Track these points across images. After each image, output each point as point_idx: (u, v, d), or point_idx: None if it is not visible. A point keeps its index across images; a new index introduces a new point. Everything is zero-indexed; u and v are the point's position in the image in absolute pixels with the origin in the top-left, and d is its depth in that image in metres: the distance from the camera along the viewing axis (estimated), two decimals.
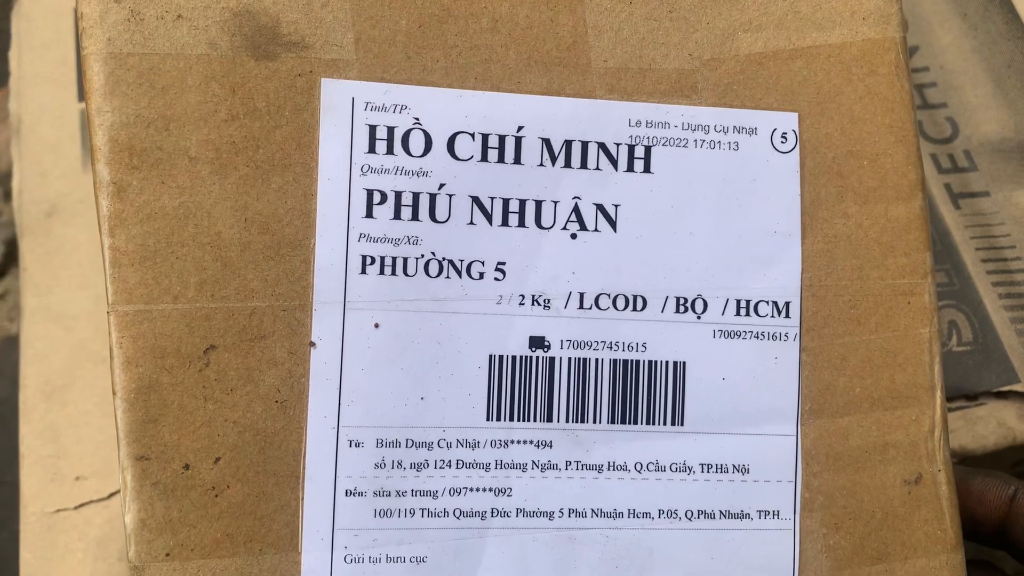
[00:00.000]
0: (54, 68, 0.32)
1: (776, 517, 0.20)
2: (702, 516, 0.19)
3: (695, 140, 0.20)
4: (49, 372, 0.30)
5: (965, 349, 0.29)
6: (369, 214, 0.18)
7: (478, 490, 0.19)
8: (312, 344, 0.18)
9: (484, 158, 0.19)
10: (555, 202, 0.19)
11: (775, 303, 0.20)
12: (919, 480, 0.20)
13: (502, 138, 0.19)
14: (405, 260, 0.19)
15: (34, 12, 0.33)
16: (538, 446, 0.19)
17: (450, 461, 0.19)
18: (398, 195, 0.19)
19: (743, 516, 0.20)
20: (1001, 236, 0.31)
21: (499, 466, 0.19)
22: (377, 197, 0.18)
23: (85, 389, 0.30)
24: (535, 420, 0.19)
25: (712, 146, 0.20)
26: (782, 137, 0.20)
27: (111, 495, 0.28)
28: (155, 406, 0.18)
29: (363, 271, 0.18)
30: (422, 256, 0.19)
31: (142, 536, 0.18)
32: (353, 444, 0.18)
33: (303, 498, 0.18)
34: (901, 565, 0.20)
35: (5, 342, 0.58)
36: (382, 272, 0.18)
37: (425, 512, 0.18)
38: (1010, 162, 0.31)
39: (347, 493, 0.18)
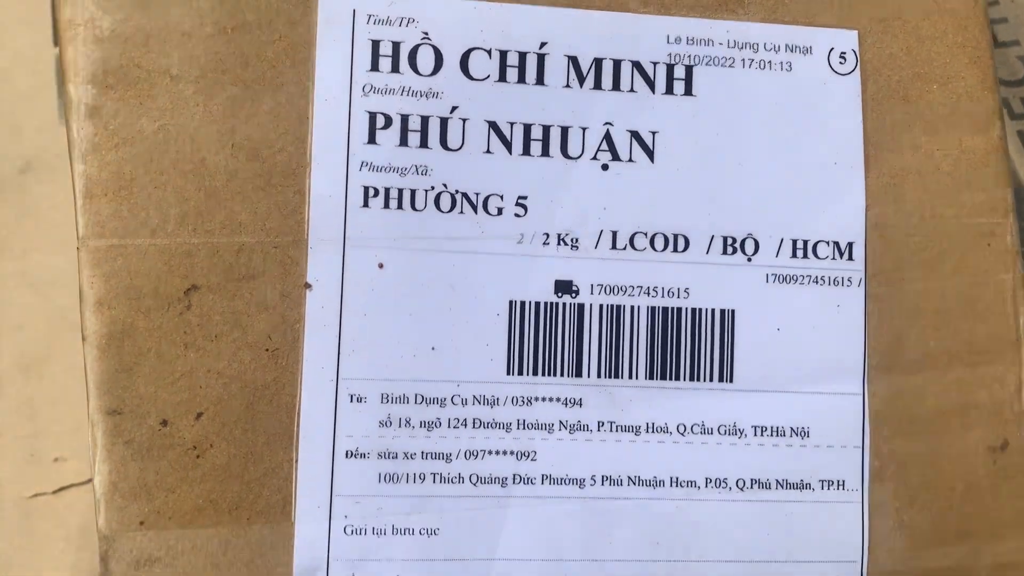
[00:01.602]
0: (28, 9, 0.31)
1: (841, 488, 0.18)
2: (755, 486, 0.18)
3: (743, 59, 0.19)
4: (25, 343, 0.30)
5: None
6: (372, 140, 0.17)
7: (498, 453, 0.18)
8: (307, 286, 0.17)
9: (502, 78, 0.18)
10: (583, 128, 0.18)
11: (836, 244, 0.19)
12: (1005, 447, 0.19)
13: (523, 56, 0.18)
14: (413, 193, 0.18)
15: None
16: (566, 404, 0.18)
17: (465, 420, 0.17)
18: (404, 119, 0.18)
19: (803, 486, 0.18)
20: None
21: (522, 426, 0.18)
22: (381, 121, 0.18)
23: (65, 362, 0.29)
24: (562, 375, 0.18)
25: (762, 66, 0.19)
26: (840, 57, 0.19)
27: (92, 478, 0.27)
28: (130, 354, 0.17)
29: (365, 204, 0.17)
30: (432, 188, 0.18)
31: (113, 502, 0.17)
32: (355, 399, 0.17)
33: (297, 460, 0.17)
34: (987, 545, 0.19)
35: None
36: (387, 206, 0.17)
37: (437, 478, 0.17)
38: None
39: (348, 455, 0.17)
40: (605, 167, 0.18)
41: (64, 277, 0.30)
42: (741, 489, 0.18)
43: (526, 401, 0.18)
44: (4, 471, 0.29)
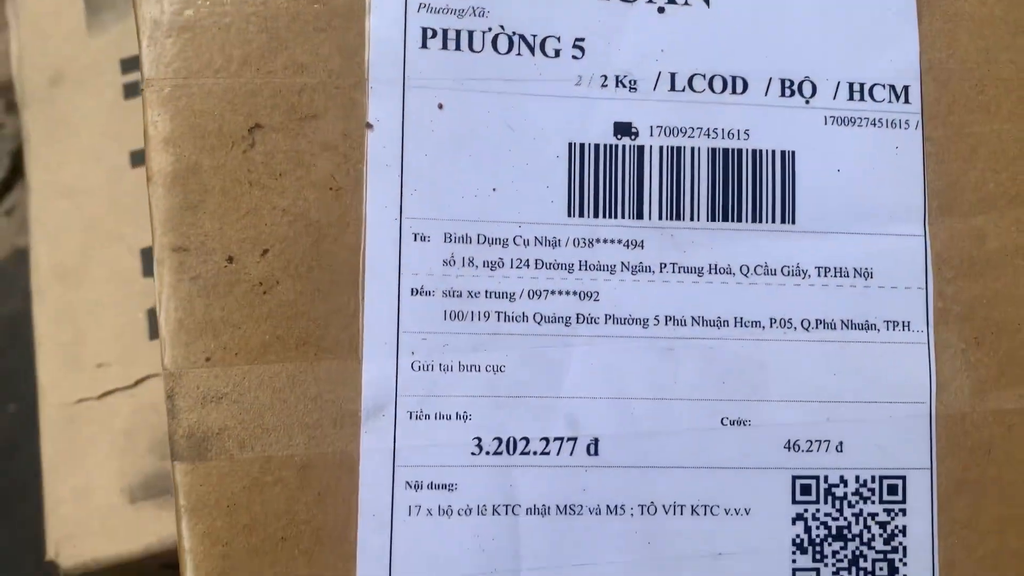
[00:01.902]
0: None
1: (907, 329, 0.18)
2: (820, 326, 0.18)
3: None
4: (62, 253, 0.30)
5: None
6: None
7: (561, 293, 0.18)
8: (369, 126, 0.17)
9: None
10: None
11: (892, 87, 0.19)
12: None
13: None
14: (471, 34, 0.18)
15: None
16: (627, 246, 0.18)
17: (528, 261, 0.18)
18: None
19: (868, 327, 0.18)
20: None
21: (584, 267, 0.18)
22: None
23: (102, 270, 0.29)
24: (623, 217, 0.18)
25: None
26: None
27: (137, 382, 0.27)
28: (195, 191, 0.17)
29: (423, 45, 0.18)
30: (489, 30, 0.18)
31: (179, 338, 0.17)
32: (418, 238, 0.17)
33: (363, 298, 0.17)
34: None
35: (15, 255, 0.58)
36: (444, 47, 0.18)
37: (502, 316, 0.18)
38: None
39: (413, 292, 0.17)
40: (661, 10, 0.18)
41: (97, 186, 0.30)
42: (806, 329, 0.18)
43: (587, 243, 0.18)
44: (47, 378, 0.29)
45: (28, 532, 0.52)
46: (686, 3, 0.19)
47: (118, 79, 0.31)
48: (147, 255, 0.29)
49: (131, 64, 0.31)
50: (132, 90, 0.31)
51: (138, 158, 0.30)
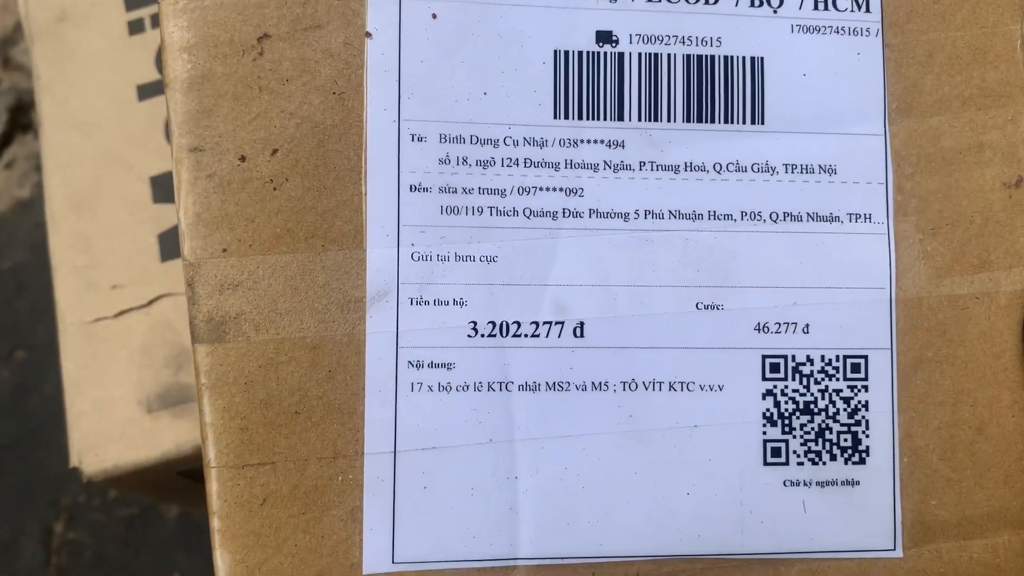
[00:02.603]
0: None
1: (868, 221, 0.21)
2: (788, 218, 0.20)
3: None
4: (75, 182, 0.31)
5: None
6: None
7: (548, 190, 0.20)
8: (368, 34, 0.19)
9: None
10: None
11: None
12: (1020, 183, 0.21)
13: None
14: None
15: None
16: (609, 146, 0.20)
17: (517, 159, 0.20)
18: None
19: (832, 219, 0.20)
20: None
21: (569, 166, 0.20)
22: None
23: (114, 198, 0.31)
24: (605, 119, 0.20)
25: None
26: None
27: (151, 302, 0.29)
28: (209, 96, 0.19)
29: None
30: None
31: (197, 231, 0.19)
32: (415, 138, 0.19)
33: (366, 193, 0.19)
34: (1005, 274, 0.21)
35: (16, 207, 0.60)
36: None
37: (494, 211, 0.20)
38: None
39: (411, 188, 0.19)
40: None
41: (106, 119, 0.32)
42: (774, 221, 0.20)
43: (572, 143, 0.20)
44: (65, 300, 0.31)
45: (43, 473, 0.54)
46: None
47: (123, 16, 0.33)
48: (156, 182, 0.31)
49: (135, 2, 0.33)
50: (137, 27, 0.32)
51: (144, 91, 0.32)
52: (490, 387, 0.19)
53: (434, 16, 0.20)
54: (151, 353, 0.29)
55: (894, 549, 0.20)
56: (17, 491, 0.55)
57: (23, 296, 0.58)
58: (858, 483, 0.20)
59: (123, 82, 0.32)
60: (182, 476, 0.32)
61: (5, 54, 0.65)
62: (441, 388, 0.19)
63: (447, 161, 0.20)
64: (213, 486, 0.19)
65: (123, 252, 0.30)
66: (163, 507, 0.52)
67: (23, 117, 0.65)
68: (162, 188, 0.31)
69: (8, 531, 0.54)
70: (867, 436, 0.20)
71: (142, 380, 0.28)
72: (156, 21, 0.32)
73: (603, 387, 0.20)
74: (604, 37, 0.20)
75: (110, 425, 0.29)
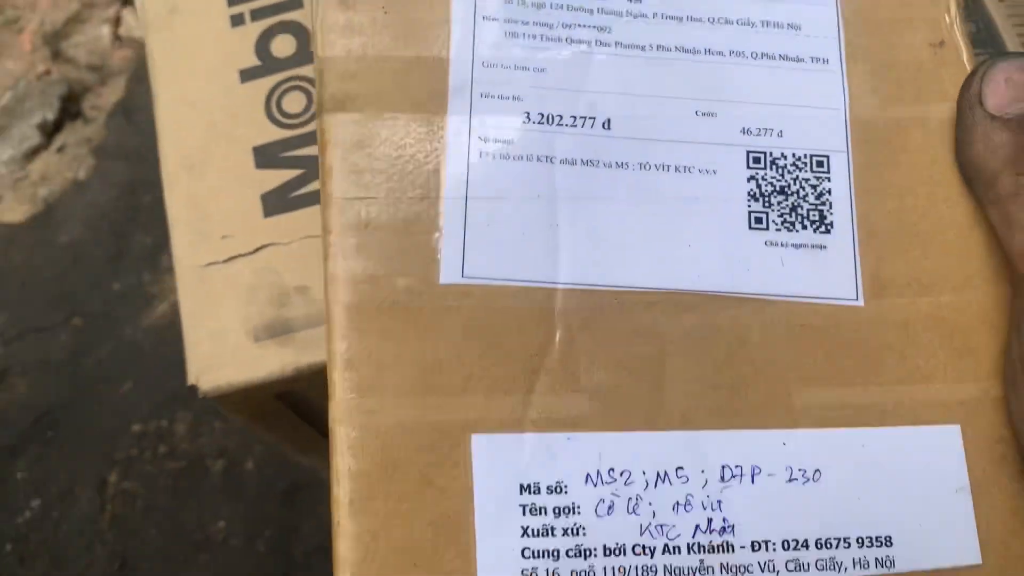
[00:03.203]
0: None
1: (826, 63, 0.28)
2: (764, 57, 0.28)
3: None
4: (186, 150, 0.38)
5: None
6: None
7: (584, 26, 0.27)
8: None
9: None
10: None
11: None
12: (942, 44, 0.28)
13: None
14: None
15: None
16: (631, 2, 0.28)
17: (562, 5, 0.28)
18: None
19: (798, 60, 0.28)
20: None
21: (600, 12, 0.28)
22: None
23: (221, 164, 0.38)
24: None
25: None
26: None
27: (256, 250, 0.35)
28: None
29: None
30: None
31: (329, 39, 0.27)
32: None
33: (452, 22, 0.27)
34: (936, 106, 0.28)
35: (73, 187, 0.68)
36: None
37: (543, 37, 0.27)
38: None
39: (484, 19, 0.27)
40: None
41: (212, 97, 0.40)
42: (755, 58, 0.28)
43: None
44: (181, 249, 0.37)
45: (98, 429, 0.59)
46: None
47: (225, 11, 0.40)
48: (258, 151, 0.37)
49: None
50: (238, 19, 0.40)
51: (245, 75, 0.39)
52: (538, 159, 0.26)
53: None
54: (257, 292, 0.35)
55: (857, 299, 0.26)
56: (74, 445, 0.60)
57: (78, 268, 0.66)
58: (824, 247, 0.26)
59: (226, 66, 0.39)
60: (278, 399, 0.37)
61: (56, 47, 0.75)
62: (502, 157, 0.26)
63: (510, 3, 0.27)
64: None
65: (230, 209, 0.36)
66: (208, 461, 0.57)
67: (73, 106, 0.73)
68: (263, 156, 0.37)
69: (66, 481, 0.59)
70: (831, 213, 0.27)
71: (249, 314, 0.34)
72: (255, 15, 0.40)
73: (624, 166, 0.27)
74: None
75: (222, 351, 0.34)
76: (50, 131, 0.76)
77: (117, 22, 0.80)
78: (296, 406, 0.38)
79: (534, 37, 0.27)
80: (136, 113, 0.70)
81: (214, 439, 0.60)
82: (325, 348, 0.25)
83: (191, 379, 0.34)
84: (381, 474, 0.24)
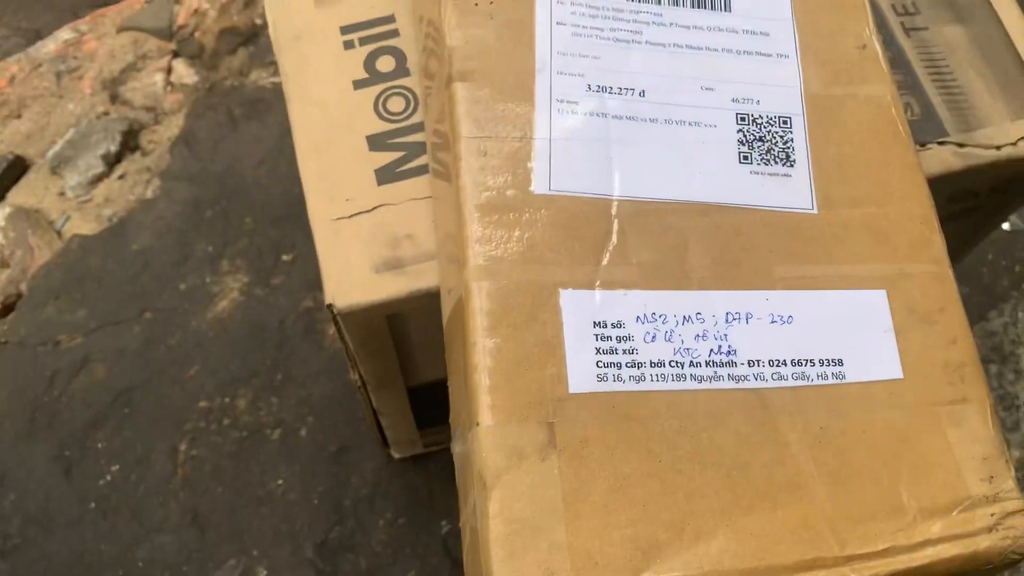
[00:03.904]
0: None
1: (787, 57, 0.42)
2: (744, 53, 0.42)
3: None
4: (313, 137, 0.49)
5: (916, 119, 0.53)
6: None
7: (624, 31, 0.42)
8: None
9: None
10: None
11: None
12: (865, 47, 0.43)
13: None
14: None
15: None
16: (655, 14, 0.42)
17: (608, 15, 0.42)
18: None
19: (768, 55, 0.42)
20: (936, 52, 0.56)
21: (635, 21, 0.42)
22: None
23: (342, 148, 0.48)
24: (654, 3, 0.42)
25: None
26: None
27: (373, 208, 0.46)
28: None
29: None
30: None
31: (454, 26, 0.40)
32: (558, 2, 0.42)
33: (536, 24, 0.41)
34: (862, 87, 0.42)
35: (141, 204, 0.80)
36: None
37: (597, 35, 0.41)
38: (940, 9, 0.57)
39: (557, 24, 0.41)
40: None
41: (333, 100, 0.52)
42: (738, 54, 0.42)
43: (635, 11, 0.42)
44: (316, 206, 0.46)
45: (170, 406, 0.70)
46: None
47: (339, 38, 0.52)
48: (370, 139, 0.48)
49: (346, 29, 0.54)
50: (349, 45, 0.52)
51: (357, 84, 0.50)
52: (596, 115, 0.40)
53: None
54: (376, 238, 0.45)
55: (812, 209, 0.40)
56: (148, 419, 0.71)
57: (148, 271, 0.77)
58: (790, 176, 0.40)
59: (342, 78, 0.50)
60: (389, 319, 0.48)
61: (113, 92, 0.88)
62: (571, 113, 0.40)
63: (575, 14, 0.42)
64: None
65: (352, 179, 0.46)
66: (267, 431, 0.68)
67: (132, 140, 0.86)
68: (374, 142, 0.48)
69: (142, 450, 0.70)
70: (793, 154, 0.41)
71: (370, 254, 0.44)
72: (362, 41, 0.53)
73: (654, 121, 0.40)
74: None
75: (351, 280, 0.44)
76: (112, 161, 0.88)
77: (169, 71, 0.93)
78: (394, 336, 0.50)
79: (591, 36, 0.41)
80: (194, 144, 0.83)
81: (271, 412, 0.71)
82: (436, 268, 0.37)
83: (328, 300, 0.44)
84: (503, 312, 0.36)
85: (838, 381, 0.37)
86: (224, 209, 0.79)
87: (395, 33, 0.51)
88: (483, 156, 0.38)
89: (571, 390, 0.35)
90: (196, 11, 0.95)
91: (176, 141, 0.84)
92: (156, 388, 0.73)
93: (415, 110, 0.48)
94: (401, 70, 0.50)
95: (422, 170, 0.47)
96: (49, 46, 0.97)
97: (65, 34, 0.97)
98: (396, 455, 0.68)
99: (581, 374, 0.36)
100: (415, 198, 0.46)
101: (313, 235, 0.47)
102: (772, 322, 0.38)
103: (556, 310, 0.37)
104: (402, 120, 0.49)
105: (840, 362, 0.37)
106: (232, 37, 0.95)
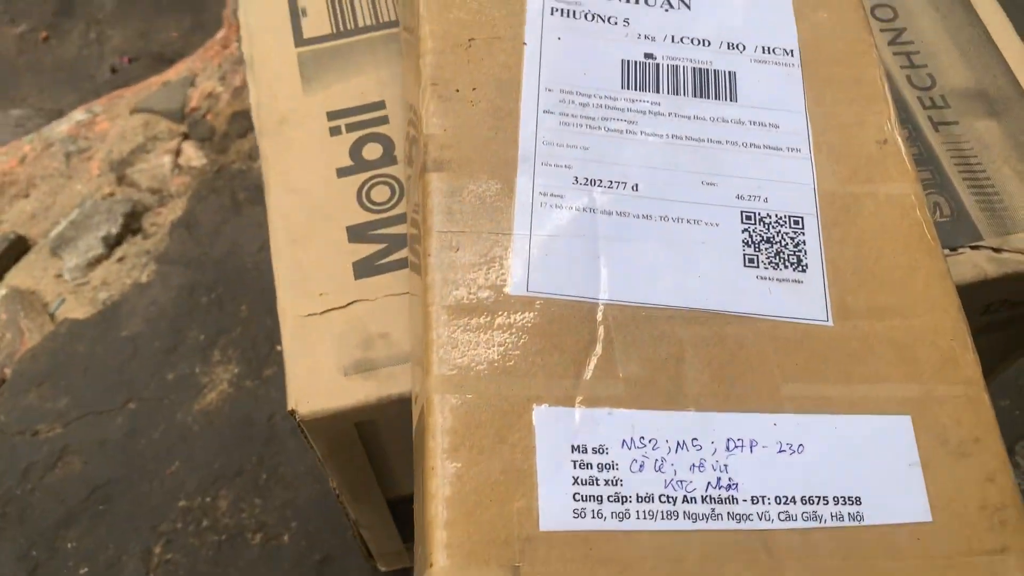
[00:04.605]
0: (273, 24, 0.54)
1: (798, 151, 0.38)
2: (752, 147, 0.38)
3: None
4: (292, 227, 0.46)
5: (946, 220, 0.48)
6: None
7: (616, 120, 0.38)
8: (524, 44, 0.39)
9: None
10: None
11: None
12: (885, 142, 0.39)
13: None
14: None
15: None
16: (652, 104, 0.38)
17: (601, 104, 0.38)
18: None
19: (777, 148, 0.38)
20: (967, 149, 0.51)
21: (629, 111, 0.38)
22: None
23: (320, 239, 0.45)
24: (647, 91, 0.39)
25: None
26: None
27: (348, 304, 0.43)
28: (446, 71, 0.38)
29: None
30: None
31: (432, 121, 0.37)
32: (547, 89, 0.38)
33: (521, 113, 0.37)
34: (882, 185, 0.38)
35: (136, 288, 0.76)
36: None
37: (587, 125, 0.37)
38: (971, 102, 0.52)
39: (545, 112, 0.37)
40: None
41: (314, 187, 0.48)
42: (745, 147, 0.38)
43: (630, 100, 0.38)
44: (286, 302, 0.44)
45: (146, 504, 0.65)
46: None
47: (325, 124, 0.49)
48: (350, 230, 0.45)
49: (333, 115, 0.51)
50: (335, 131, 0.49)
51: (341, 172, 0.47)
52: (584, 209, 0.36)
53: (559, 39, 0.39)
54: (347, 338, 0.42)
55: (827, 320, 0.35)
56: (123, 518, 0.66)
57: (137, 359, 0.74)
58: (801, 282, 0.36)
59: (326, 165, 0.48)
60: (356, 427, 0.44)
61: (121, 173, 0.86)
62: (556, 207, 0.36)
63: (564, 101, 0.38)
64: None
65: (328, 272, 0.43)
66: (248, 535, 0.63)
67: (135, 223, 0.83)
68: (354, 233, 0.45)
69: (113, 551, 0.65)
70: (805, 258, 0.36)
71: (340, 355, 0.41)
72: (349, 127, 0.50)
73: (648, 217, 0.36)
74: (649, 56, 0.40)
75: (317, 384, 0.41)
76: (112, 244, 0.85)
77: (178, 153, 0.92)
78: (366, 445, 0.45)
79: (581, 126, 0.38)
80: (195, 228, 0.81)
81: (253, 515, 0.66)
82: (406, 377, 0.33)
83: (291, 405, 0.41)
84: (466, 431, 0.32)
85: (855, 523, 0.32)
86: (220, 296, 0.76)
87: (384, 120, 0.48)
88: (455, 252, 0.34)
89: (542, 527, 0.30)
90: (209, 94, 0.94)
91: (177, 224, 0.82)
92: (134, 484, 0.68)
93: (400, 200, 0.45)
94: (388, 158, 0.47)
95: (403, 264, 0.43)
96: (63, 126, 0.96)
97: (79, 115, 0.96)
98: (383, 568, 0.63)
99: (554, 508, 0.31)
100: (393, 293, 0.43)
101: (281, 333, 0.43)
102: (780, 451, 0.32)
103: (529, 430, 0.32)
104: (386, 210, 0.45)
105: (858, 500, 0.32)
106: (243, 120, 0.93)
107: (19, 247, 0.86)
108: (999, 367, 0.56)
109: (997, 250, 0.44)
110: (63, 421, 0.71)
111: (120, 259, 0.84)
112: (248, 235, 0.81)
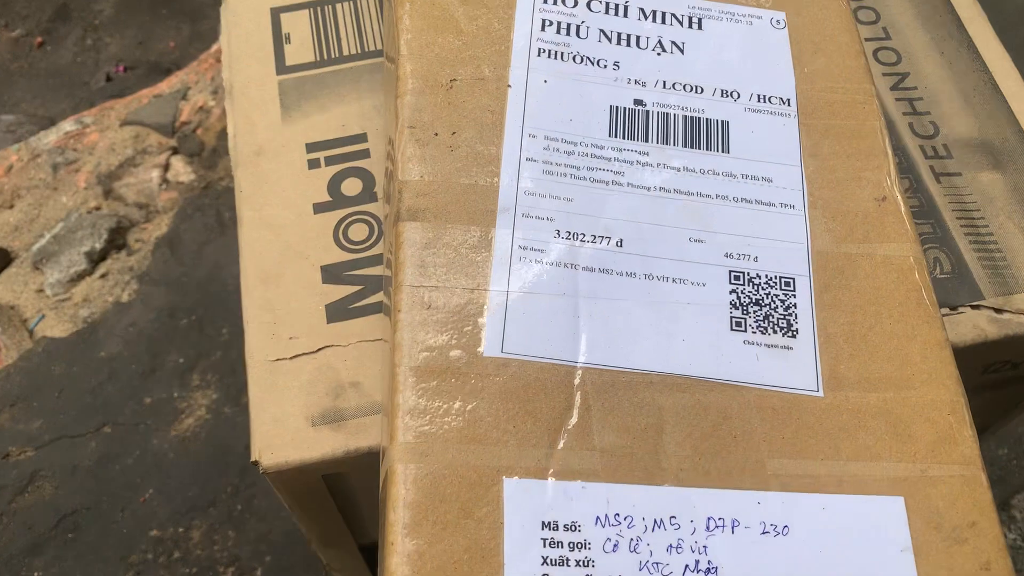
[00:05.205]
0: (256, 49, 0.52)
1: (792, 207, 0.36)
2: (743, 201, 0.36)
3: None
4: (263, 264, 0.44)
5: (946, 276, 0.46)
6: None
7: (602, 170, 0.36)
8: (509, 85, 0.37)
9: None
10: None
11: None
12: (884, 200, 0.37)
13: None
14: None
15: (239, 8, 0.53)
16: (640, 153, 0.36)
17: (586, 153, 0.36)
18: None
19: (770, 204, 0.36)
20: (969, 202, 0.49)
21: (616, 161, 0.36)
22: None
23: (292, 278, 0.43)
24: (636, 139, 0.37)
25: None
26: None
27: (318, 350, 0.41)
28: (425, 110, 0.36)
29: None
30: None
31: (409, 168, 0.35)
32: (531, 136, 0.36)
33: (502, 160, 0.35)
34: (880, 245, 0.36)
35: (116, 308, 0.74)
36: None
37: (572, 175, 0.35)
38: (975, 153, 0.50)
39: (527, 160, 0.35)
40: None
41: (289, 223, 0.46)
42: (735, 202, 0.36)
43: (617, 149, 0.36)
44: (254, 345, 0.42)
45: (117, 532, 0.63)
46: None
47: (303, 156, 0.47)
48: (325, 270, 0.43)
49: (312, 147, 0.49)
50: (314, 163, 0.47)
51: (318, 208, 0.45)
52: (565, 265, 0.34)
53: (545, 81, 0.37)
54: (316, 385, 0.40)
55: (817, 391, 0.33)
56: (92, 547, 0.64)
57: (114, 381, 0.71)
58: (791, 348, 0.34)
59: (302, 200, 0.45)
60: (324, 479, 0.42)
61: (108, 186, 0.84)
62: (536, 261, 0.34)
63: (548, 149, 0.36)
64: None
65: (299, 315, 0.41)
66: (220, 568, 0.61)
67: (119, 238, 0.81)
68: (329, 273, 0.43)
69: None
70: (796, 322, 0.34)
71: (308, 403, 0.39)
72: (328, 161, 0.48)
73: (632, 275, 0.34)
74: (639, 102, 0.38)
75: (283, 433, 0.39)
76: (96, 259, 0.83)
77: (166, 167, 0.90)
78: (335, 495, 0.43)
79: (565, 176, 0.36)
80: (179, 247, 0.79)
81: (226, 547, 0.64)
82: (378, 427, 0.31)
83: (254, 456, 0.38)
84: (430, 505, 0.30)
85: None
86: (200, 318, 0.74)
87: (365, 153, 0.46)
88: (426, 309, 0.32)
89: None
90: (201, 108, 0.92)
91: (160, 242, 0.80)
92: (105, 512, 0.66)
93: (378, 239, 0.42)
94: (367, 194, 0.45)
95: (378, 308, 0.41)
96: (51, 136, 0.94)
97: (68, 125, 0.94)
98: None
99: None
100: (366, 340, 0.40)
101: (247, 378, 0.40)
102: (763, 532, 0.30)
103: (497, 504, 0.30)
104: (363, 250, 0.43)
105: None
106: None
107: (1, 260, 0.84)
108: (999, 424, 0.54)
109: (999, 311, 0.42)
110: (35, 444, 0.69)
111: (103, 275, 0.82)
112: (231, 256, 0.79)
